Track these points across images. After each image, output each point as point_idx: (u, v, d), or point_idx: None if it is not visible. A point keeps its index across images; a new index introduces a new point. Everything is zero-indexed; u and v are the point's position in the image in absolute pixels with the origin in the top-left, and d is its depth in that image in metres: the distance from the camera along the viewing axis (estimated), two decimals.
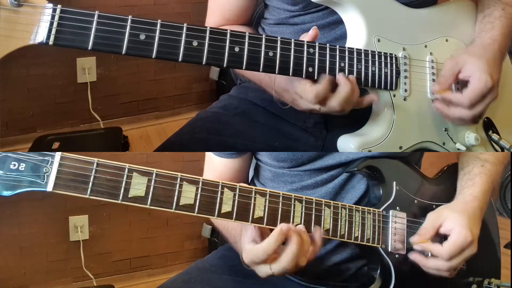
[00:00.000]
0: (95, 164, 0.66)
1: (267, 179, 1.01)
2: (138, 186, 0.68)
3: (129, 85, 2.36)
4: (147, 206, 0.69)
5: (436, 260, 0.85)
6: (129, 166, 0.68)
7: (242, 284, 0.94)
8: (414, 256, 0.88)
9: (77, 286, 2.04)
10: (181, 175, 0.71)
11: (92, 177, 0.66)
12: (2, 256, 1.90)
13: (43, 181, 0.63)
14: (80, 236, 2.00)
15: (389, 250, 0.87)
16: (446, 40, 0.97)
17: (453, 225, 0.86)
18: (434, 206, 0.93)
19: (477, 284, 0.94)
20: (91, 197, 0.65)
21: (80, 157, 0.66)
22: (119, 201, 0.67)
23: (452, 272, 0.86)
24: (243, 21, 1.06)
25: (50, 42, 0.67)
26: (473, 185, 0.94)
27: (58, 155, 0.65)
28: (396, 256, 0.88)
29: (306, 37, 0.83)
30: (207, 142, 1.00)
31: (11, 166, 0.63)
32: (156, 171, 0.69)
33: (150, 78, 2.41)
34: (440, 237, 0.88)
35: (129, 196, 0.68)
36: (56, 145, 2.01)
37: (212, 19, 1.06)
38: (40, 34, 0.67)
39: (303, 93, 0.83)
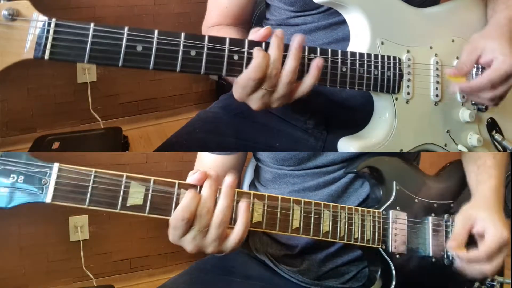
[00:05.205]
0: (92, 176, 0.66)
1: (268, 180, 1.01)
2: (136, 195, 0.68)
3: (129, 85, 2.36)
4: (145, 215, 0.69)
5: (479, 264, 0.84)
6: (126, 176, 0.68)
7: (242, 285, 0.94)
8: (458, 265, 0.86)
9: (77, 286, 2.04)
10: (178, 182, 0.71)
11: (90, 187, 0.66)
12: (2, 256, 1.90)
13: (41, 193, 0.64)
14: (80, 236, 2.00)
15: (390, 250, 0.87)
16: (452, 41, 0.94)
17: (486, 224, 0.84)
18: (435, 205, 0.93)
19: (479, 281, 0.93)
20: (89, 207, 0.66)
21: (78, 169, 0.66)
22: (117, 211, 0.67)
23: (496, 272, 0.85)
24: (241, 20, 1.04)
25: (46, 57, 0.66)
26: (489, 178, 0.92)
27: (56, 166, 0.65)
28: (397, 256, 0.87)
29: (257, 37, 0.76)
30: (207, 142, 1.00)
31: (10, 179, 0.63)
32: (154, 179, 0.69)
33: (150, 78, 2.41)
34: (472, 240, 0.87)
35: (127, 205, 0.68)
36: (56, 145, 2.01)
37: (210, 18, 1.05)
38: (35, 49, 0.65)
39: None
